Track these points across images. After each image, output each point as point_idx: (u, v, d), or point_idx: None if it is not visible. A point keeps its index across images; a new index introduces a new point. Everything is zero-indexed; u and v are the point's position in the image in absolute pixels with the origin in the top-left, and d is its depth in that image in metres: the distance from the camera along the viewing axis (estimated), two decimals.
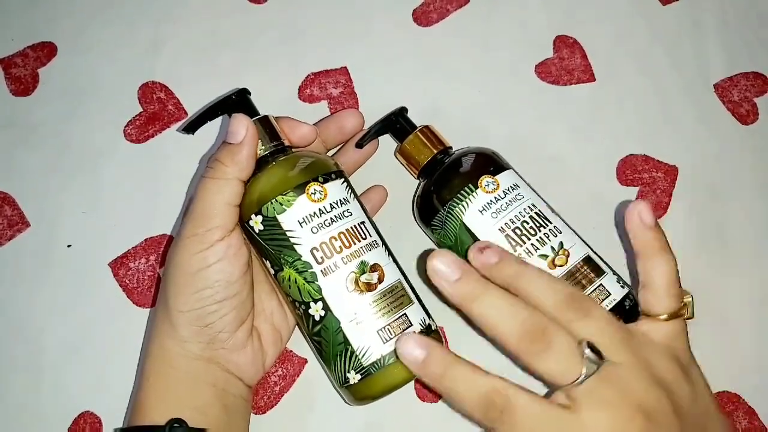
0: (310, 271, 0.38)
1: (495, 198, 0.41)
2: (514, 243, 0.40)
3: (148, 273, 0.49)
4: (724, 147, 0.51)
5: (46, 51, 0.55)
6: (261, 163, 0.40)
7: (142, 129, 0.52)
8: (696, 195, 0.50)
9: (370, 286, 0.38)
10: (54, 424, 0.46)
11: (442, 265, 0.35)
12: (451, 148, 0.46)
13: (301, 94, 0.53)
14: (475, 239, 0.41)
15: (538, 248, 0.40)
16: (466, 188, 0.41)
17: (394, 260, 0.41)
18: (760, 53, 0.54)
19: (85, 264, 0.49)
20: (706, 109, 0.52)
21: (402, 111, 0.47)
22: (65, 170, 0.51)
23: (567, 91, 0.53)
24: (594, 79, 0.53)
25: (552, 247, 0.40)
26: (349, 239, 0.39)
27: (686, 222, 0.49)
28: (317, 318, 0.38)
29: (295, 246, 0.38)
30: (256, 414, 0.45)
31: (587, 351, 0.33)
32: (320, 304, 0.38)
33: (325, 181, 0.39)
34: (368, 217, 0.41)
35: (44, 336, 0.48)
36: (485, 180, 0.42)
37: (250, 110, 0.42)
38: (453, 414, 0.45)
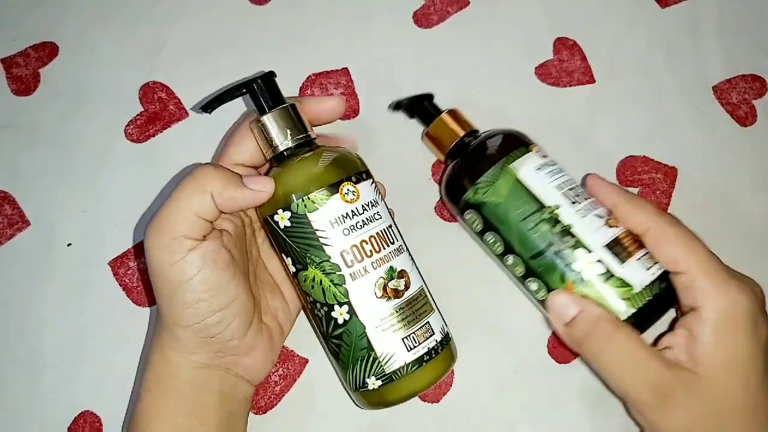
0: (338, 273, 0.37)
1: (547, 162, 0.42)
2: (572, 200, 0.41)
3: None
4: (723, 149, 0.51)
5: (47, 51, 0.55)
6: (286, 157, 0.39)
7: (143, 129, 0.52)
8: (695, 196, 0.50)
9: (397, 293, 0.38)
10: (54, 423, 0.46)
11: None
12: (477, 130, 0.47)
13: (302, 95, 0.53)
14: (531, 195, 0.41)
15: (592, 210, 0.41)
16: (519, 149, 0.42)
17: (416, 266, 0.41)
18: (757, 56, 0.54)
19: (85, 263, 0.49)
20: (705, 111, 0.52)
21: (428, 97, 0.48)
22: (66, 169, 0.52)
23: (567, 93, 0.53)
24: (594, 81, 0.53)
25: (604, 210, 0.41)
26: (380, 243, 0.38)
27: (686, 223, 0.49)
28: (340, 321, 0.37)
29: (324, 247, 0.37)
30: (256, 414, 0.45)
31: None
32: (345, 307, 0.37)
33: (358, 181, 0.38)
34: (393, 220, 0.41)
35: (44, 335, 0.47)
36: (535, 147, 0.43)
37: (276, 95, 0.40)
38: (453, 414, 0.45)
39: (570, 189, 0.41)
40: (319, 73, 0.53)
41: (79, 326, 0.48)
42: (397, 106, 0.49)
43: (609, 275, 0.39)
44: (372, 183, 0.40)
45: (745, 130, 0.52)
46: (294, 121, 0.39)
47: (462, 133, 0.45)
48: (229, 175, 0.37)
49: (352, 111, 0.52)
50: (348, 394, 0.42)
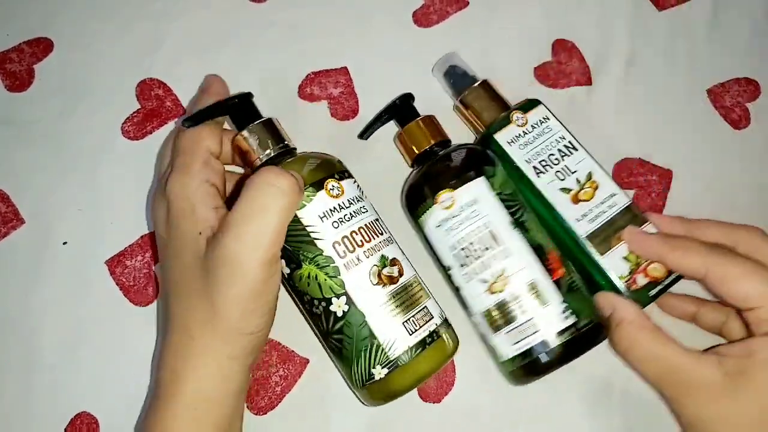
0: (332, 265, 0.38)
1: (451, 215, 0.41)
2: (461, 263, 0.42)
3: (144, 271, 0.48)
4: (717, 151, 0.52)
5: (42, 47, 0.54)
6: (270, 164, 0.40)
7: (139, 126, 0.52)
8: (690, 198, 0.50)
9: (392, 279, 0.39)
10: (50, 424, 0.45)
11: None
12: (449, 141, 0.46)
13: (301, 93, 0.52)
14: (434, 251, 0.44)
15: (478, 274, 0.41)
16: (426, 202, 0.42)
17: (406, 257, 0.42)
18: (751, 59, 0.55)
19: (81, 262, 0.49)
20: (699, 114, 0.53)
21: (407, 98, 0.47)
22: (61, 167, 0.51)
23: (565, 94, 0.53)
24: (591, 83, 0.54)
25: (492, 272, 0.41)
26: (369, 234, 0.39)
27: None
28: (340, 314, 0.38)
29: (316, 241, 0.38)
30: (256, 415, 0.45)
31: None
32: (343, 298, 0.38)
33: (341, 178, 0.40)
34: (379, 216, 0.42)
35: (40, 335, 0.47)
36: (442, 195, 0.42)
37: (253, 113, 0.42)
38: (454, 414, 0.45)
39: (463, 249, 0.41)
40: (318, 71, 0.53)
41: (75, 325, 0.47)
42: (370, 125, 0.47)
43: (484, 339, 0.43)
44: (354, 182, 0.42)
45: (739, 133, 0.53)
46: (272, 132, 0.41)
47: (432, 142, 0.45)
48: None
49: (351, 111, 0.52)
50: (355, 394, 0.42)
